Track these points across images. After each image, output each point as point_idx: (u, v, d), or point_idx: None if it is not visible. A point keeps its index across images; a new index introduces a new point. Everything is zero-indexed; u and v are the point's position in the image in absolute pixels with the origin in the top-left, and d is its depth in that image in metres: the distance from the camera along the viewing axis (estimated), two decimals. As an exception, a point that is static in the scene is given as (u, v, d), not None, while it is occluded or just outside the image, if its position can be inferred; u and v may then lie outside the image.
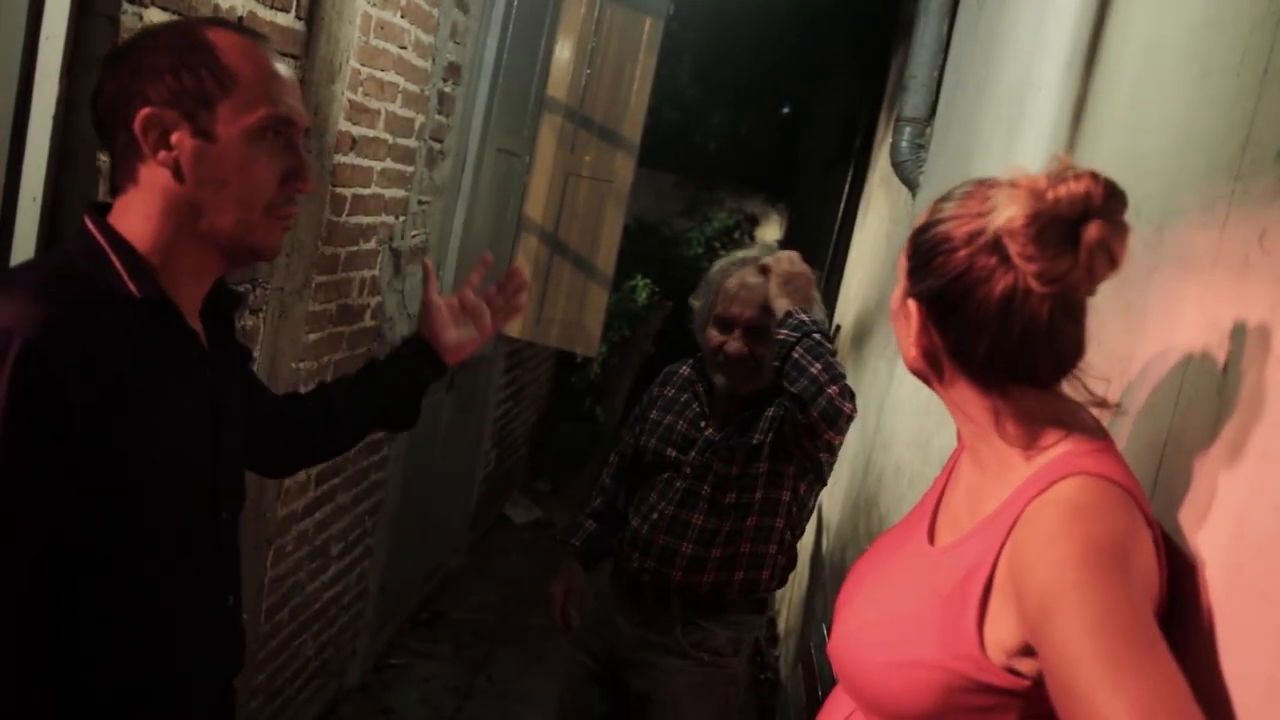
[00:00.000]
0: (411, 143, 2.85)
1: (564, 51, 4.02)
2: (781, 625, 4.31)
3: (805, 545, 3.92)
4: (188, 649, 1.17)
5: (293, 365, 2.37)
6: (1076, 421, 0.93)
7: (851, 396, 1.84)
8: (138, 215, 1.07)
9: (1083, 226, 0.85)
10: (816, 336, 1.85)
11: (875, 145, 4.91)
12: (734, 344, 2.05)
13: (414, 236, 3.04)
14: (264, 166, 1.08)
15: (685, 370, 2.26)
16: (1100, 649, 0.76)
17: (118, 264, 1.04)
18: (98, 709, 1.07)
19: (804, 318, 1.88)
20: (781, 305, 1.91)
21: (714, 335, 2.08)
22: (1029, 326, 0.89)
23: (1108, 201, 0.85)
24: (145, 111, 1.03)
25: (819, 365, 1.82)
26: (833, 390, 1.81)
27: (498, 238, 3.89)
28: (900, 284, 1.00)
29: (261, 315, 2.17)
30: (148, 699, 1.12)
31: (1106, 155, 1.38)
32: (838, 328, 4.67)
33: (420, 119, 2.87)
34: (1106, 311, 1.17)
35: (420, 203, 3.03)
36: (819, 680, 2.59)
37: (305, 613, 2.79)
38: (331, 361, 2.61)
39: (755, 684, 3.84)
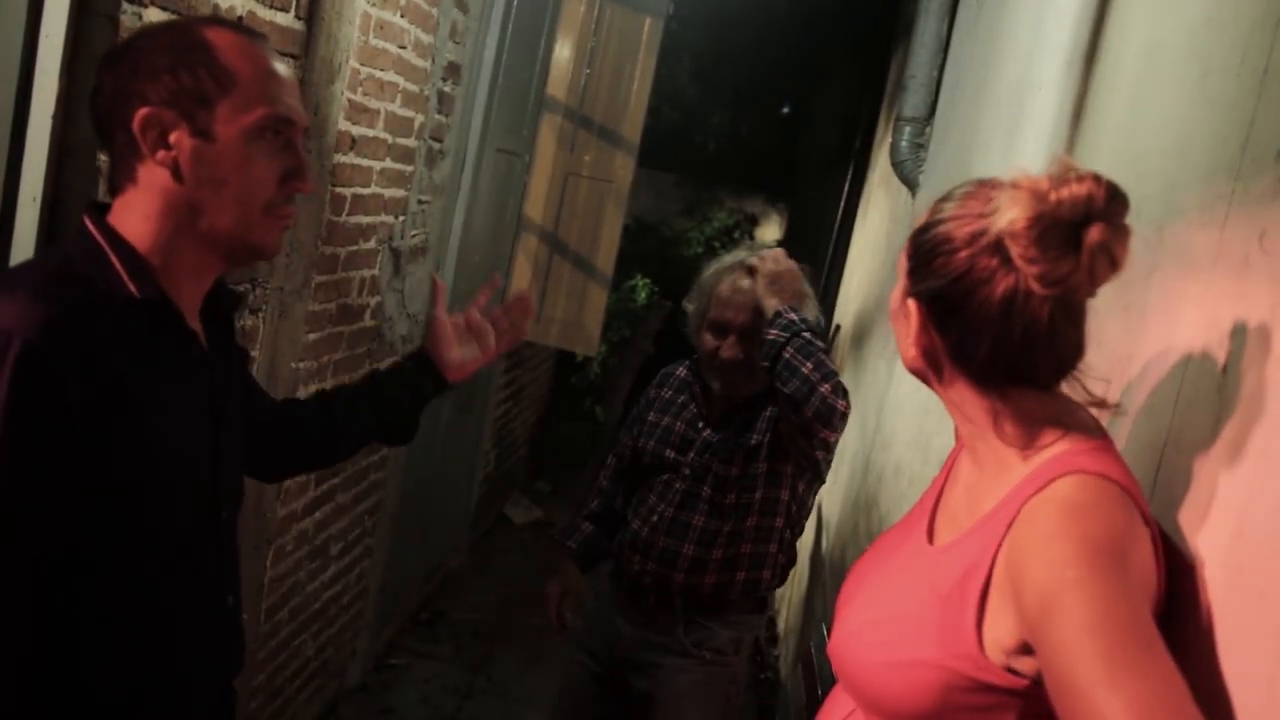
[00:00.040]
0: (411, 142, 2.85)
1: (564, 51, 4.02)
2: (781, 625, 4.31)
3: (805, 545, 3.93)
4: (188, 649, 1.17)
5: (293, 365, 2.37)
6: (1075, 421, 0.94)
7: (845, 393, 1.83)
8: (137, 215, 1.07)
9: (1084, 229, 0.84)
10: (807, 335, 1.85)
11: (875, 145, 4.90)
12: (729, 349, 2.05)
13: (414, 236, 3.03)
14: (263, 166, 1.08)
15: (682, 372, 2.26)
16: (1098, 647, 0.76)
17: (117, 264, 1.04)
18: (98, 709, 1.07)
19: (793, 316, 1.88)
20: (771, 305, 1.91)
21: (709, 340, 2.08)
22: (1030, 328, 0.89)
23: (1109, 204, 0.85)
24: (144, 111, 1.03)
25: (810, 364, 1.82)
26: (825, 389, 1.80)
27: (497, 237, 3.89)
28: (900, 283, 1.00)
29: (261, 315, 2.17)
30: (148, 699, 1.12)
31: (1106, 155, 1.38)
32: (837, 327, 4.67)
33: (420, 119, 2.87)
34: (1106, 312, 1.17)
35: (420, 202, 3.03)
36: (819, 680, 2.59)
37: (305, 613, 2.79)
38: (331, 361, 2.61)
39: (755, 684, 3.84)
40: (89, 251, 1.05)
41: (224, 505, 1.21)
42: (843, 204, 5.36)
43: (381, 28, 2.48)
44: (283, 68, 1.11)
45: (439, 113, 3.02)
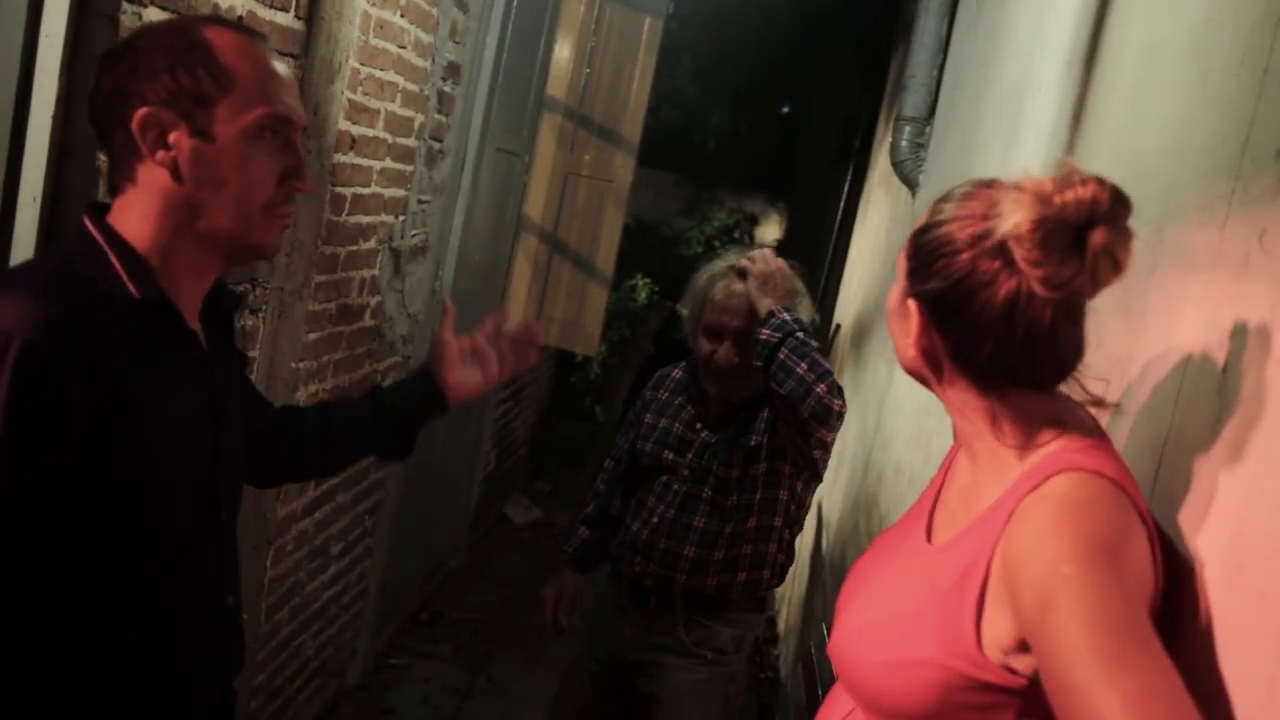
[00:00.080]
0: (411, 142, 2.85)
1: (564, 51, 4.02)
2: (781, 625, 4.31)
3: (805, 544, 3.93)
4: (187, 649, 1.17)
5: (293, 365, 2.37)
6: (1073, 420, 0.94)
7: (840, 392, 1.84)
8: (136, 215, 1.06)
9: (1088, 232, 0.84)
10: (800, 335, 1.85)
11: (875, 144, 4.90)
12: (725, 353, 2.05)
13: (414, 236, 3.03)
14: (262, 166, 1.08)
15: (677, 374, 2.26)
16: (1094, 644, 0.76)
17: (117, 264, 1.04)
18: (98, 709, 1.07)
19: (785, 316, 1.88)
20: (764, 305, 1.92)
21: (704, 344, 2.08)
22: (1032, 330, 0.89)
23: (1113, 207, 0.85)
24: (143, 111, 1.02)
25: (805, 365, 1.82)
26: (821, 389, 1.81)
27: (497, 237, 3.89)
28: (899, 283, 1.00)
29: (261, 315, 2.17)
30: (147, 699, 1.12)
31: (1106, 155, 1.38)
32: (837, 327, 4.67)
33: (420, 118, 2.87)
34: (1107, 312, 1.17)
35: (420, 202, 3.03)
36: (819, 680, 2.59)
37: (305, 612, 2.79)
38: (331, 361, 2.61)
39: (755, 684, 3.84)
40: (88, 251, 1.05)
41: (224, 505, 1.21)
42: (843, 204, 5.36)
43: (381, 27, 2.48)
44: (282, 67, 1.11)
45: (439, 112, 3.02)
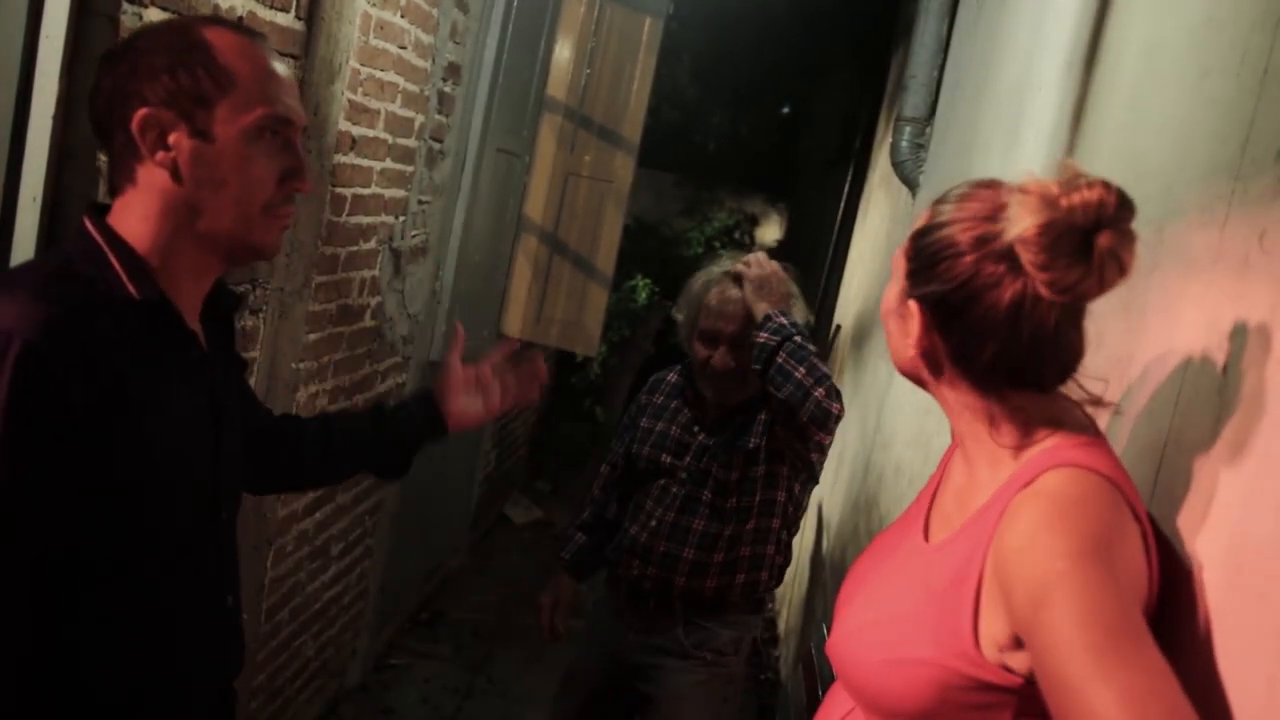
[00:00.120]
0: (411, 143, 2.85)
1: (564, 51, 4.02)
2: (781, 625, 4.31)
3: (805, 545, 3.93)
4: (187, 649, 1.17)
5: (293, 365, 2.37)
6: (1069, 419, 0.94)
7: (838, 396, 1.85)
8: (136, 216, 1.06)
9: (1096, 236, 0.84)
10: (798, 339, 1.86)
11: (875, 145, 4.90)
12: (720, 357, 2.06)
13: (414, 236, 3.04)
14: (262, 166, 1.08)
15: (673, 377, 2.27)
16: (1088, 640, 0.76)
17: (117, 265, 1.04)
18: (98, 709, 1.07)
19: (782, 320, 1.88)
20: (760, 309, 1.92)
21: (700, 349, 2.09)
22: (1037, 333, 0.89)
23: (1119, 210, 0.85)
24: (143, 112, 1.02)
25: (803, 369, 1.83)
26: (819, 393, 1.82)
27: (498, 238, 3.89)
28: (897, 284, 1.00)
29: (261, 315, 2.17)
30: (147, 699, 1.12)
31: (1107, 155, 1.38)
32: (838, 327, 4.67)
33: (420, 119, 2.87)
34: (1107, 312, 1.17)
35: (420, 203, 3.03)
36: (819, 680, 2.59)
37: (305, 613, 2.79)
38: (332, 361, 2.61)
39: (755, 684, 3.84)
40: (88, 252, 1.05)
41: (224, 505, 1.21)
42: (843, 204, 5.36)
43: (382, 28, 2.48)
44: (281, 67, 1.11)
45: (439, 113, 3.02)
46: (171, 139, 1.04)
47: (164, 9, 1.62)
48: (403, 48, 2.63)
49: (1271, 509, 0.77)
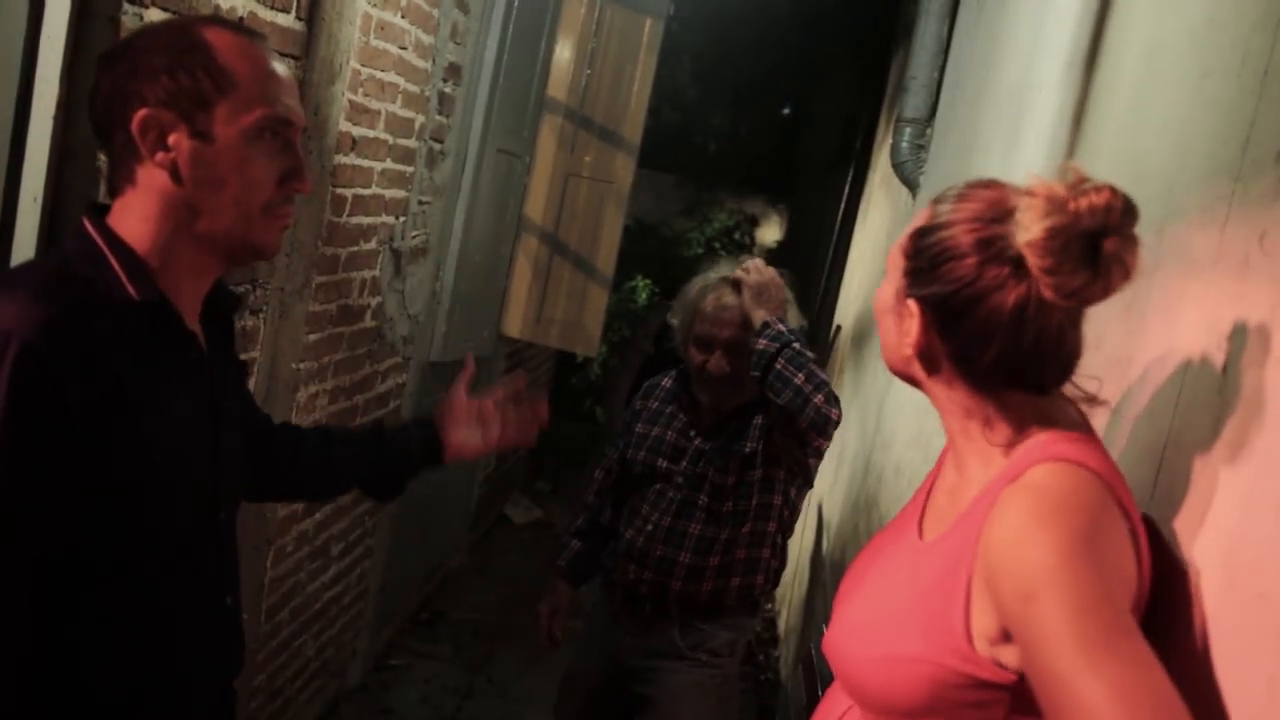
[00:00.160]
0: (412, 143, 2.85)
1: (564, 52, 4.02)
2: (781, 625, 4.31)
3: (805, 545, 3.93)
4: (187, 649, 1.17)
5: (293, 365, 2.37)
6: (1062, 416, 0.94)
7: (836, 402, 1.87)
8: (136, 216, 1.06)
9: (1103, 240, 0.85)
10: (796, 346, 1.88)
11: (875, 146, 4.91)
12: (716, 362, 2.07)
13: (414, 237, 3.04)
14: (261, 167, 1.08)
15: (667, 383, 2.28)
16: (1075, 632, 0.76)
17: (116, 266, 1.04)
18: (98, 709, 1.07)
19: (781, 327, 1.90)
20: (758, 316, 1.94)
21: (696, 355, 2.10)
22: (1040, 336, 0.90)
23: (1125, 215, 0.85)
24: (142, 113, 1.02)
25: (801, 376, 1.85)
26: (818, 399, 1.84)
27: (498, 238, 3.89)
28: (894, 282, 1.00)
29: (261, 315, 2.17)
30: (148, 699, 1.12)
31: (1107, 156, 1.38)
32: (838, 328, 4.67)
33: (420, 119, 2.87)
34: (1107, 312, 1.17)
35: (420, 203, 3.03)
36: (819, 680, 2.59)
37: (305, 613, 2.79)
38: (332, 362, 2.61)
39: (755, 684, 3.84)
40: (88, 253, 1.05)
41: (223, 505, 1.20)
42: (843, 205, 5.36)
43: (382, 28, 2.48)
44: (281, 68, 1.11)
45: (439, 113, 3.02)
46: (171, 140, 1.04)
47: (164, 9, 1.62)
48: (403, 48, 2.63)
49: (1271, 509, 0.77)
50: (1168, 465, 0.96)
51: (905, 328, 0.97)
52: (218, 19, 1.15)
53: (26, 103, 1.49)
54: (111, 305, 1.02)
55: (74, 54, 1.53)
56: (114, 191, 1.08)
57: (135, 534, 1.06)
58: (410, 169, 2.88)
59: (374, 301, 2.83)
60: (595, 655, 2.23)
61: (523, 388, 1.59)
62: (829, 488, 3.72)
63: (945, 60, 3.15)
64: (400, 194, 2.85)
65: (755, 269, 2.01)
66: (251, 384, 2.13)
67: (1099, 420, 1.10)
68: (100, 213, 1.08)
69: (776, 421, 1.96)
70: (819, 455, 2.02)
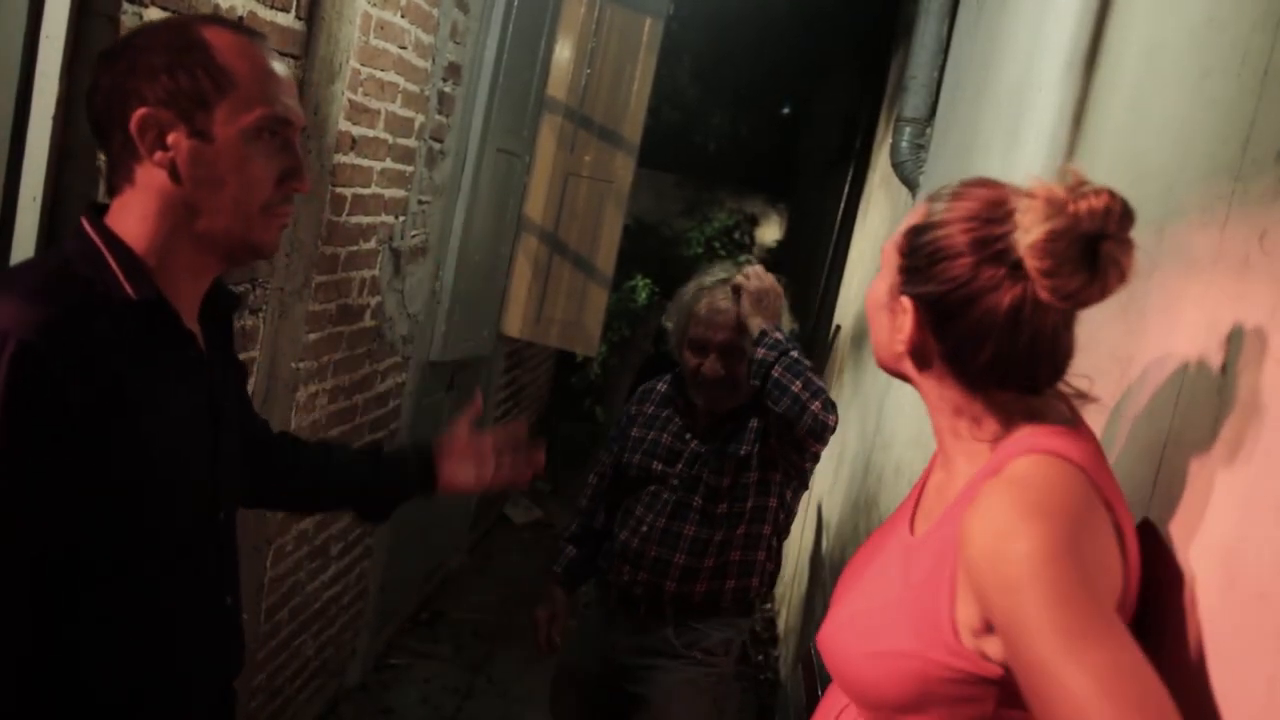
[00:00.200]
0: (411, 143, 2.85)
1: (564, 51, 4.02)
2: (781, 625, 4.31)
3: (805, 545, 3.93)
4: (187, 649, 1.16)
5: (293, 365, 2.37)
6: (1050, 412, 0.94)
7: (833, 408, 1.90)
8: (134, 216, 1.06)
9: (1100, 243, 0.85)
10: (794, 354, 1.91)
11: (875, 145, 4.90)
12: (710, 365, 2.09)
13: (414, 236, 3.04)
14: (261, 166, 1.08)
15: (662, 387, 2.30)
16: (1057, 622, 0.77)
17: (114, 265, 1.04)
18: (97, 709, 1.07)
19: (779, 335, 1.94)
20: (756, 324, 1.97)
21: (690, 358, 2.13)
22: (1036, 337, 0.90)
23: (1123, 219, 0.85)
24: (141, 112, 1.02)
25: (799, 383, 1.88)
26: (815, 406, 1.87)
27: (498, 238, 3.89)
28: (887, 278, 1.00)
29: (261, 315, 2.17)
30: (148, 699, 1.12)
31: (1107, 156, 1.38)
32: (838, 328, 4.67)
33: (420, 119, 2.87)
34: (1107, 312, 1.17)
35: (420, 202, 3.03)
36: (819, 680, 2.59)
37: (305, 612, 2.79)
38: (331, 361, 2.61)
39: (755, 684, 3.84)
40: (86, 252, 1.05)
41: (223, 505, 1.20)
42: (843, 204, 5.36)
43: (382, 28, 2.48)
44: (280, 67, 1.11)
45: (439, 113, 3.02)
46: (170, 139, 1.04)
47: (164, 8, 1.62)
48: (403, 48, 2.63)
49: (1271, 509, 0.77)
50: (1168, 464, 0.96)
51: (899, 324, 0.97)
52: (217, 18, 1.15)
53: (26, 102, 1.49)
54: (110, 305, 1.02)
55: (74, 53, 1.53)
56: (112, 190, 1.08)
57: (135, 534, 1.06)
58: (410, 168, 2.88)
59: (373, 301, 2.83)
60: (588, 654, 2.24)
61: (524, 434, 1.58)
62: (829, 488, 3.72)
63: (945, 60, 3.15)
64: (400, 193, 2.85)
65: (756, 275, 2.03)
66: (251, 383, 2.13)
67: (1098, 419, 1.10)
68: (99, 212, 1.08)
69: (775, 428, 1.99)
70: (816, 459, 2.05)
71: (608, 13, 4.01)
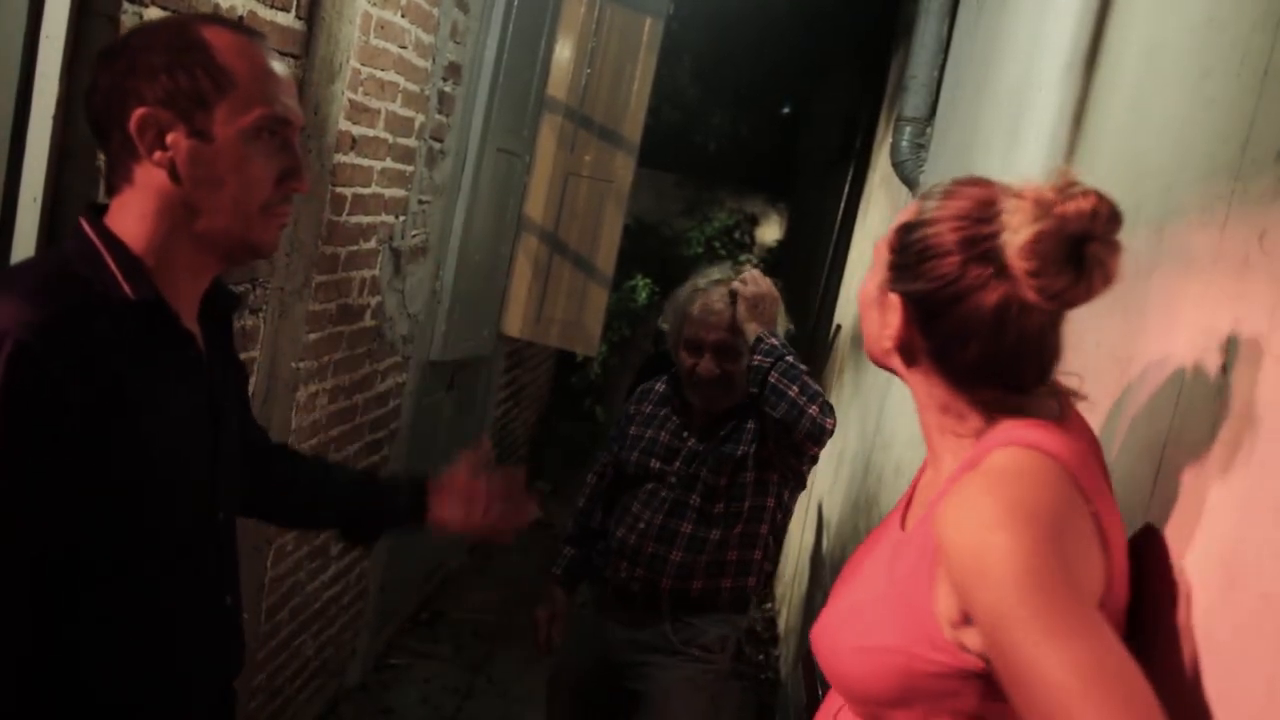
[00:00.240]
0: (411, 142, 2.85)
1: (564, 51, 4.02)
2: (781, 625, 4.31)
3: (805, 545, 3.93)
4: (187, 649, 1.16)
5: (293, 365, 2.37)
6: (1037, 408, 0.94)
7: (831, 411, 1.93)
8: (133, 215, 1.06)
9: (1086, 245, 0.85)
10: (789, 359, 1.94)
11: (875, 145, 4.90)
12: (705, 365, 2.11)
13: (414, 236, 3.04)
14: (260, 166, 1.08)
15: (660, 387, 2.32)
16: (1031, 609, 0.77)
17: (112, 265, 1.04)
18: (97, 710, 1.07)
19: (775, 341, 1.96)
20: (752, 330, 1.99)
21: (686, 357, 2.15)
22: (1021, 337, 0.90)
23: (1110, 220, 0.85)
24: (140, 111, 1.02)
25: (796, 388, 1.90)
26: (813, 410, 1.89)
27: (498, 237, 3.89)
28: (878, 274, 1.00)
29: (261, 315, 2.17)
30: (147, 700, 1.12)
31: (1107, 156, 1.38)
32: (838, 327, 4.67)
33: (420, 118, 2.87)
34: (1106, 312, 1.17)
35: (420, 202, 3.03)
36: (819, 680, 2.59)
37: (305, 612, 2.79)
38: (331, 361, 2.61)
39: (755, 684, 3.84)
40: (84, 252, 1.04)
41: (222, 505, 1.20)
42: (843, 204, 5.36)
43: (382, 27, 2.48)
44: (280, 67, 1.11)
45: (439, 113, 3.02)
46: (169, 139, 1.03)
47: (163, 8, 1.62)
48: (403, 47, 2.63)
49: (1271, 509, 0.77)
50: (1167, 464, 0.96)
51: (886, 320, 0.98)
52: (217, 18, 1.15)
53: (26, 101, 1.49)
54: (109, 305, 1.02)
55: (73, 52, 1.53)
56: (111, 190, 1.08)
57: (135, 534, 1.06)
58: (410, 168, 2.88)
59: (374, 300, 2.83)
60: (584, 651, 2.24)
61: (521, 483, 1.57)
62: (829, 487, 3.72)
63: (945, 59, 3.15)
64: (400, 193, 2.85)
65: (753, 280, 2.06)
66: (251, 383, 2.13)
67: (1097, 418, 1.11)
68: (98, 212, 1.08)
69: (773, 432, 2.01)
70: (814, 461, 2.08)
71: (608, 12, 4.01)
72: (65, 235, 1.46)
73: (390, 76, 2.59)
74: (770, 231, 10.45)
